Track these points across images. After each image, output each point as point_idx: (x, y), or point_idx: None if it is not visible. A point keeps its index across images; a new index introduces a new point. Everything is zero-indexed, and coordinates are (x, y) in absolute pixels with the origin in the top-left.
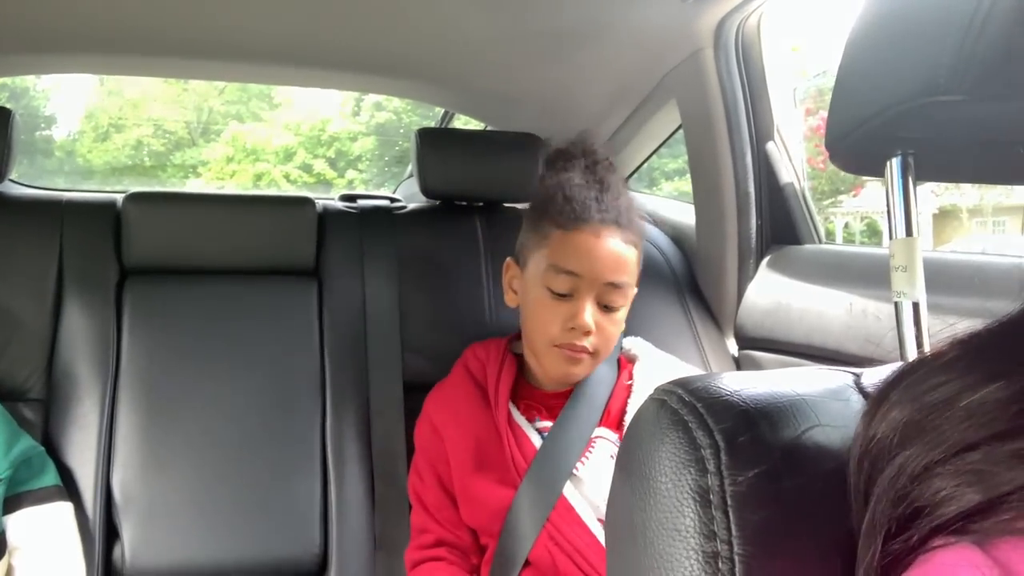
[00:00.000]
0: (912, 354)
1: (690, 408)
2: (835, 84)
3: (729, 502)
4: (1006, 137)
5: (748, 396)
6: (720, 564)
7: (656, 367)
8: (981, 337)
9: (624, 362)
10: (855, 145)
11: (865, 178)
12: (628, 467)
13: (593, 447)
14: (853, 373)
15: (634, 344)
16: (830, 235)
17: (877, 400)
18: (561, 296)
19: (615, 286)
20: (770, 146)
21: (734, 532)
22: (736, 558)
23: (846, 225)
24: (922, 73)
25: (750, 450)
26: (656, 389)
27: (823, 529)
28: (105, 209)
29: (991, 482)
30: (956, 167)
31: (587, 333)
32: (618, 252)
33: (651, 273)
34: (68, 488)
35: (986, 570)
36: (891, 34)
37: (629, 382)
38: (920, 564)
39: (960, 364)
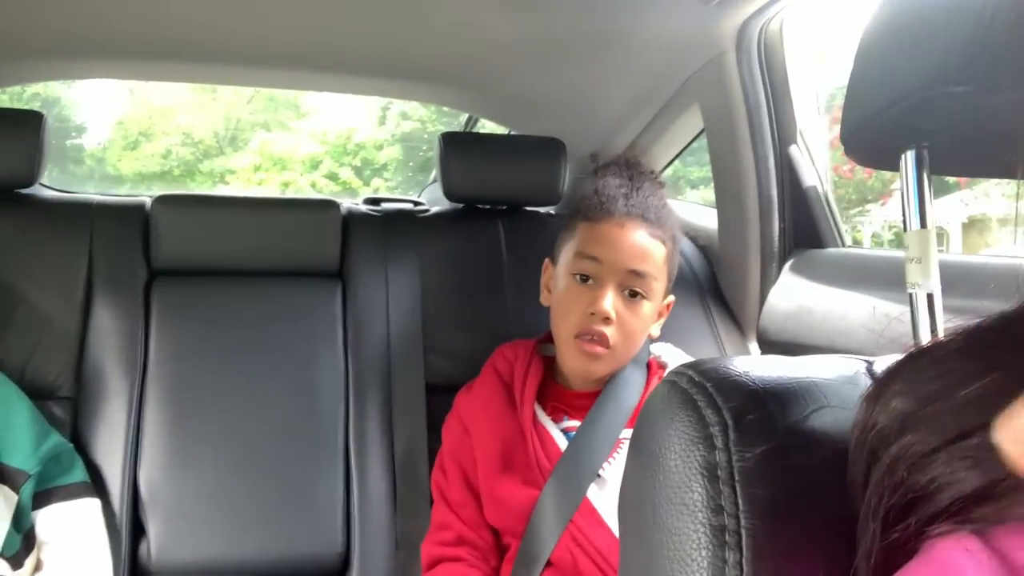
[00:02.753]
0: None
1: (700, 388)
2: (849, 78)
3: (736, 477)
4: (1016, 128)
5: (757, 377)
6: (727, 537)
7: None
8: (983, 328)
9: (654, 367)
10: (869, 138)
11: (893, 187)
12: (639, 446)
13: (620, 449)
14: (866, 360)
15: (664, 350)
16: (857, 244)
17: (878, 388)
18: (584, 282)
19: (637, 274)
20: (793, 150)
21: (741, 506)
22: (743, 531)
23: (873, 234)
24: (933, 64)
25: (758, 428)
26: (668, 372)
27: (829, 505)
28: (134, 211)
29: (987, 467)
30: (970, 160)
31: (607, 320)
32: (642, 243)
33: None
34: (96, 484)
35: (983, 558)
36: (903, 27)
37: None
38: (920, 553)
39: (961, 354)
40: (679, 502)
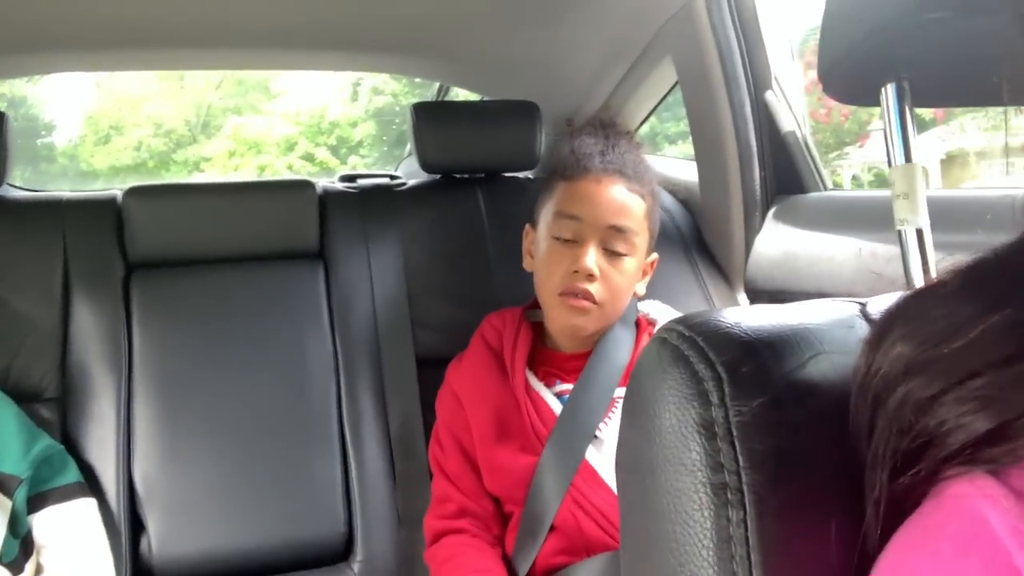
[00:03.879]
0: (918, 282)
1: (691, 343)
2: (823, 14)
3: (735, 432)
4: (994, 53)
5: (749, 327)
6: (729, 495)
7: None
8: (983, 264)
9: (644, 324)
10: (848, 73)
11: (870, 128)
12: (633, 407)
13: (615, 408)
14: (859, 303)
15: (652, 307)
16: (838, 187)
17: (879, 333)
18: (566, 243)
19: (618, 230)
20: (769, 95)
21: (741, 463)
22: (745, 488)
23: (854, 177)
24: None
25: (753, 380)
26: (658, 329)
27: (831, 455)
28: (106, 205)
29: (998, 407)
30: (951, 90)
31: (590, 277)
32: (621, 198)
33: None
34: (90, 484)
35: (1001, 499)
36: None
37: None
38: (932, 496)
39: (962, 294)
40: (677, 462)
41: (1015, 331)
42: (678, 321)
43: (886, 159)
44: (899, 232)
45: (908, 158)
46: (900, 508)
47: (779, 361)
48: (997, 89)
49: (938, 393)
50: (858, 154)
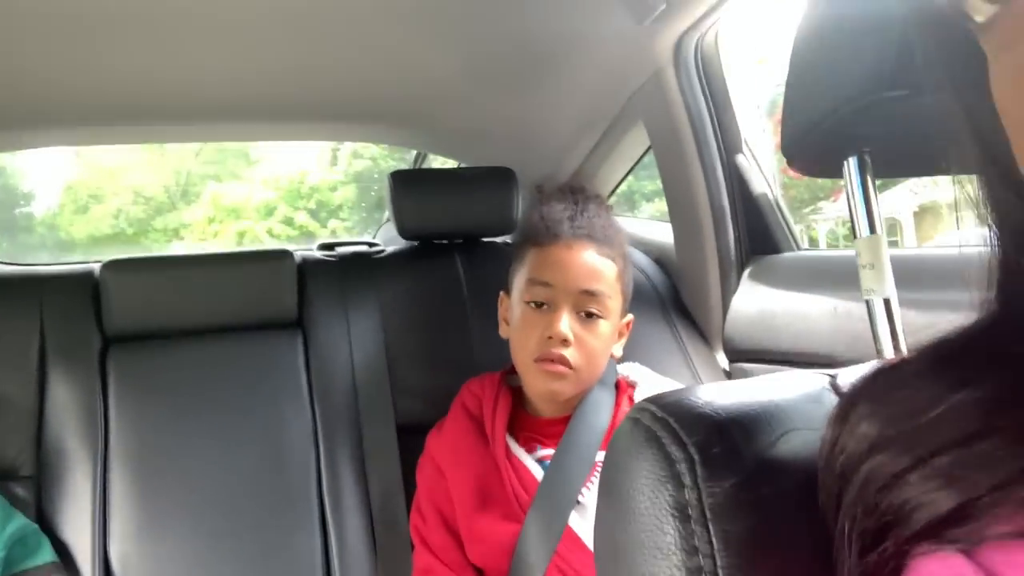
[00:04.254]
0: (888, 350)
1: (663, 423)
2: (785, 89)
3: (708, 515)
4: (944, 127)
5: (720, 406)
6: None
7: (657, 389)
8: (946, 344)
9: (624, 386)
10: (811, 148)
11: (842, 183)
12: (608, 488)
13: (596, 472)
14: (829, 375)
15: (632, 369)
16: (813, 242)
17: (843, 409)
18: (539, 308)
19: (591, 294)
20: (740, 158)
21: (715, 545)
22: (720, 571)
23: (830, 231)
24: (868, 71)
25: (725, 460)
26: (632, 408)
27: (805, 533)
28: (83, 279)
29: (961, 486)
30: (910, 162)
31: (564, 342)
32: (591, 262)
33: (635, 294)
34: (66, 563)
35: None
36: (835, 35)
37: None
38: (905, 574)
39: (926, 373)
40: (652, 546)
41: (977, 410)
42: (651, 400)
43: (850, 230)
44: (867, 302)
45: (873, 229)
46: None
47: (750, 440)
48: (947, 159)
49: (902, 471)
50: (832, 208)
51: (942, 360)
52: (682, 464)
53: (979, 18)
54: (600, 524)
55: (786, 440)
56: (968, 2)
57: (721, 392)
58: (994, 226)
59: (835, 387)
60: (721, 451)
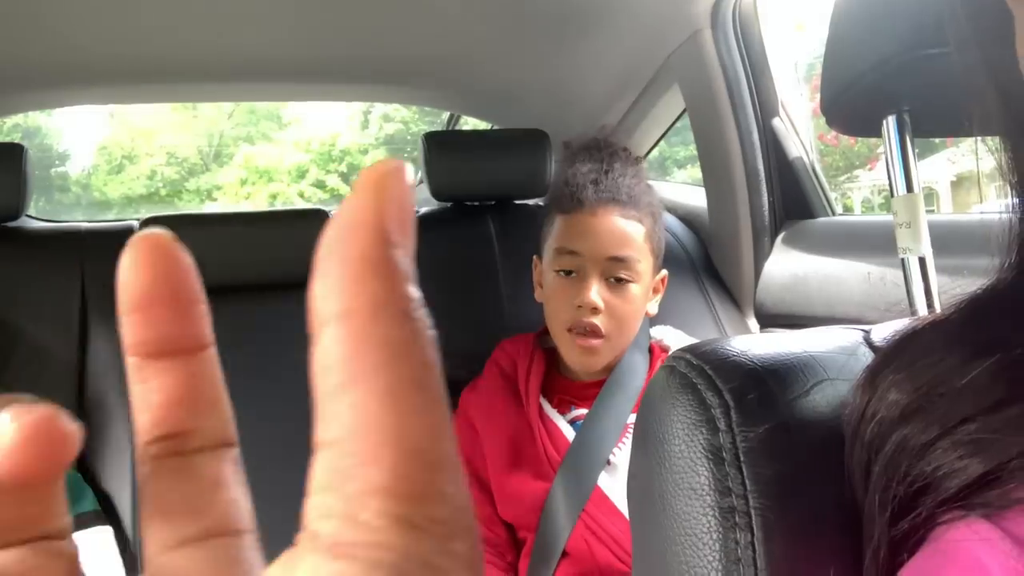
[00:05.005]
0: (922, 309)
1: (699, 371)
2: (825, 47)
3: (742, 458)
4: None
5: (755, 356)
6: (737, 518)
7: None
8: (974, 304)
9: (657, 351)
10: (849, 105)
11: (879, 151)
12: (643, 434)
13: (628, 434)
14: (863, 330)
15: (665, 333)
16: (848, 210)
17: (871, 376)
18: (568, 276)
19: (619, 260)
20: (776, 122)
21: (748, 487)
22: (752, 511)
23: (864, 199)
24: (908, 28)
25: (759, 407)
26: (667, 359)
27: (835, 480)
28: (123, 236)
29: (991, 451)
30: (951, 121)
31: (595, 311)
32: (618, 227)
33: (666, 257)
34: (107, 512)
35: (998, 542)
36: None
37: None
38: (929, 541)
39: (956, 335)
40: (686, 487)
41: (1004, 375)
42: (686, 349)
43: (888, 193)
44: (902, 260)
45: (910, 188)
46: (897, 552)
47: (784, 388)
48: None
49: (933, 439)
50: (867, 176)
51: (968, 323)
52: (717, 409)
53: None
54: (635, 469)
55: (819, 389)
56: None
57: (756, 343)
58: (1015, 187)
59: (869, 342)
60: (756, 397)
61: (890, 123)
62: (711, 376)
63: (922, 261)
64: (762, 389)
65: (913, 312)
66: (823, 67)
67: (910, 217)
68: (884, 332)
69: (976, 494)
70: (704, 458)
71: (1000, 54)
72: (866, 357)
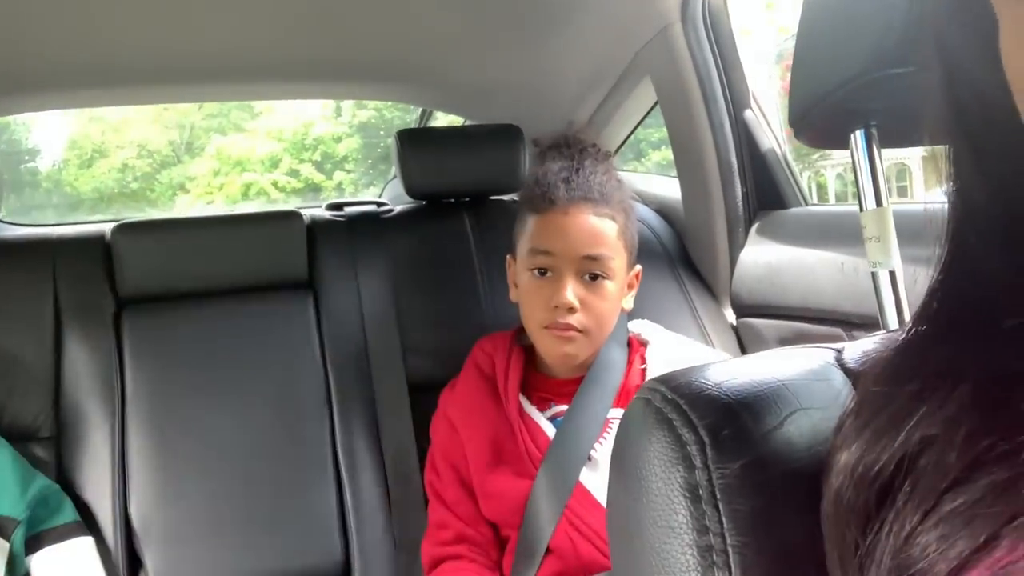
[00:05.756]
0: (892, 321)
1: (673, 405)
2: (793, 63)
3: (718, 495)
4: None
5: (729, 388)
6: (715, 556)
7: (669, 348)
8: (929, 310)
9: (636, 344)
10: (817, 121)
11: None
12: (621, 468)
13: (609, 429)
14: (835, 349)
15: (643, 328)
16: (822, 188)
17: (837, 444)
18: (543, 276)
19: (592, 258)
20: (748, 114)
21: (725, 524)
22: (730, 549)
23: (838, 175)
24: (872, 48)
25: (734, 442)
26: (642, 387)
27: (810, 510)
28: (95, 242)
29: (977, 524)
30: (917, 132)
31: (571, 310)
32: (591, 226)
33: (642, 250)
34: (87, 522)
35: None
36: (841, 11)
37: (643, 366)
38: None
39: (914, 366)
40: (664, 524)
41: (964, 455)
42: (661, 380)
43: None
44: (873, 275)
45: (879, 202)
46: None
47: (758, 422)
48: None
49: (915, 526)
50: (841, 154)
51: (927, 342)
52: (693, 446)
53: None
54: (613, 503)
55: (792, 420)
56: None
57: (729, 372)
58: (952, 189)
59: (840, 362)
60: (730, 433)
61: (857, 137)
62: (686, 411)
63: (892, 275)
64: (737, 424)
65: (884, 325)
66: (791, 82)
67: (880, 231)
68: (856, 351)
69: (968, 569)
70: (681, 496)
71: (961, 67)
72: (838, 381)
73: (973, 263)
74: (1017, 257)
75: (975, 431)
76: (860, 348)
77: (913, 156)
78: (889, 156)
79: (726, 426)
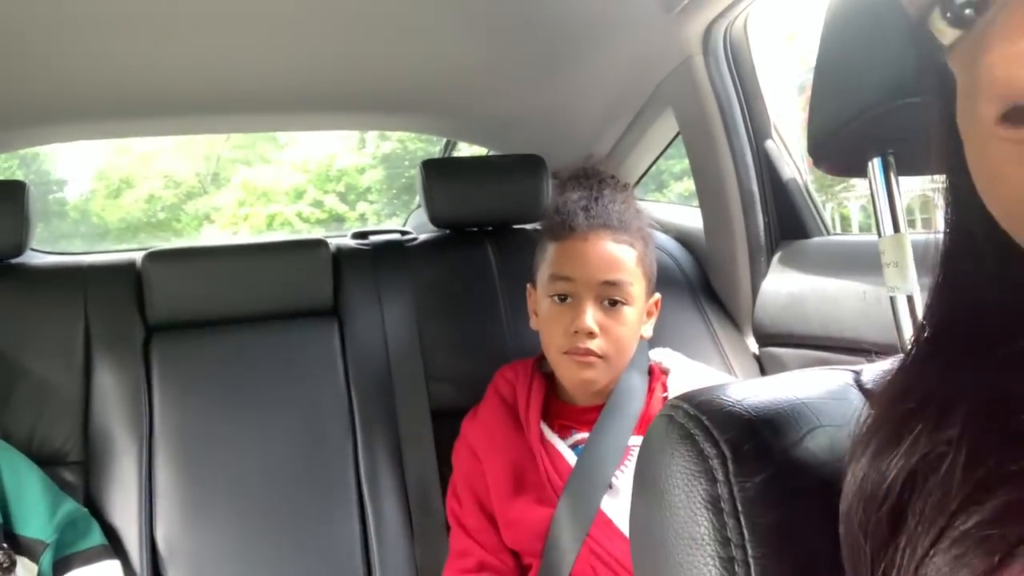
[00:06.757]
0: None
1: (696, 421)
2: (811, 92)
3: (740, 508)
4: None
5: (750, 405)
6: (737, 568)
7: (690, 375)
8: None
9: (657, 372)
10: (835, 149)
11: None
12: (644, 482)
13: (630, 457)
14: (854, 371)
15: (664, 356)
16: (845, 220)
17: (847, 461)
18: (563, 302)
19: (612, 284)
20: (769, 144)
21: (747, 536)
22: (751, 561)
23: (861, 207)
24: (890, 77)
25: (755, 457)
26: (665, 405)
27: (829, 524)
28: (125, 270)
29: (988, 547)
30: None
31: (591, 335)
32: (609, 252)
33: (664, 279)
34: (114, 546)
35: None
36: (858, 39)
37: (665, 394)
38: None
39: (921, 386)
40: (687, 536)
41: (974, 471)
42: (684, 398)
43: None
44: (891, 299)
45: (896, 228)
46: None
47: (778, 437)
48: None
49: (927, 549)
50: (864, 184)
51: (929, 361)
52: (715, 460)
53: (944, 40)
54: (636, 516)
55: (812, 437)
56: (934, 24)
57: (750, 390)
58: (947, 219)
59: (859, 383)
60: (752, 448)
61: (875, 165)
62: (708, 427)
63: (910, 300)
64: (757, 439)
65: (902, 349)
66: (808, 111)
67: (897, 257)
68: (874, 372)
69: None
70: (704, 508)
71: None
72: (857, 400)
73: (966, 289)
74: (1008, 284)
75: (977, 452)
76: (878, 369)
77: (939, 188)
78: (914, 187)
79: (747, 441)
